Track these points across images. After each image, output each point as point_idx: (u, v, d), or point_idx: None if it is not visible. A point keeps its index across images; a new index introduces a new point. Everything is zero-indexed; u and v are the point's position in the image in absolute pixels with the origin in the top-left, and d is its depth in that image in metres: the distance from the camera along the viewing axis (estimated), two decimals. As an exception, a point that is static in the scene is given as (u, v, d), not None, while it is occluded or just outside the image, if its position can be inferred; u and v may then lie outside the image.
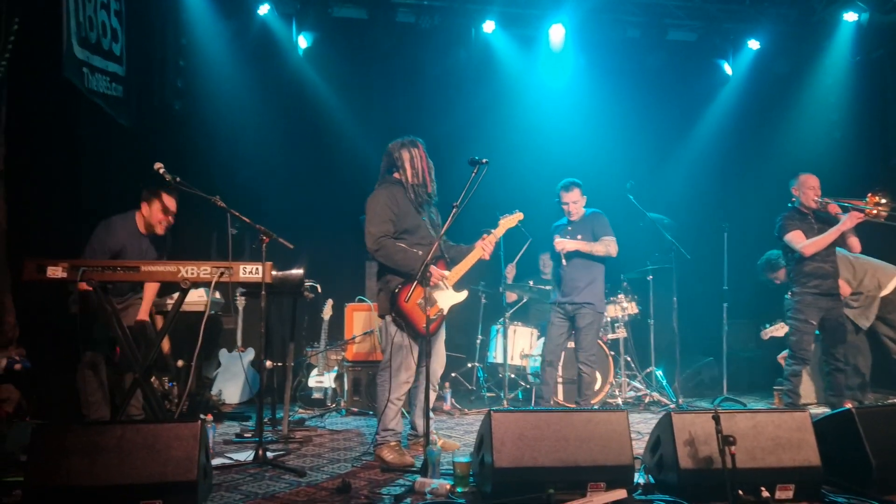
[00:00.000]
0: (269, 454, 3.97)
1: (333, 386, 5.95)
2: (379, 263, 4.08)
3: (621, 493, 3.08)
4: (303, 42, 7.16)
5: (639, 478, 3.40)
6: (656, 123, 7.78)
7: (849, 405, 4.26)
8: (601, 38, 7.51)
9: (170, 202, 4.52)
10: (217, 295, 5.60)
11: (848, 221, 4.87)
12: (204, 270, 3.90)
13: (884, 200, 4.94)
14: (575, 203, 5.43)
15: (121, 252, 4.41)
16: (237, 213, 4.09)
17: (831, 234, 4.91)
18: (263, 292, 3.95)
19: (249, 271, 3.97)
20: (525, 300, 6.79)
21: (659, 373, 6.46)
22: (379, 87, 7.46)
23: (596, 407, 5.91)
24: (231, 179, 6.76)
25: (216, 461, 3.84)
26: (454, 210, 3.79)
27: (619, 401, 6.15)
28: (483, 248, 4.24)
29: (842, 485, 3.23)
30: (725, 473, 2.90)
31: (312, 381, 5.97)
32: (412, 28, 7.31)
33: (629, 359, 6.58)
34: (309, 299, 5.00)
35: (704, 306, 7.00)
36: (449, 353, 6.21)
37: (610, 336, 6.30)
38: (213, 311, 5.67)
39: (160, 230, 4.53)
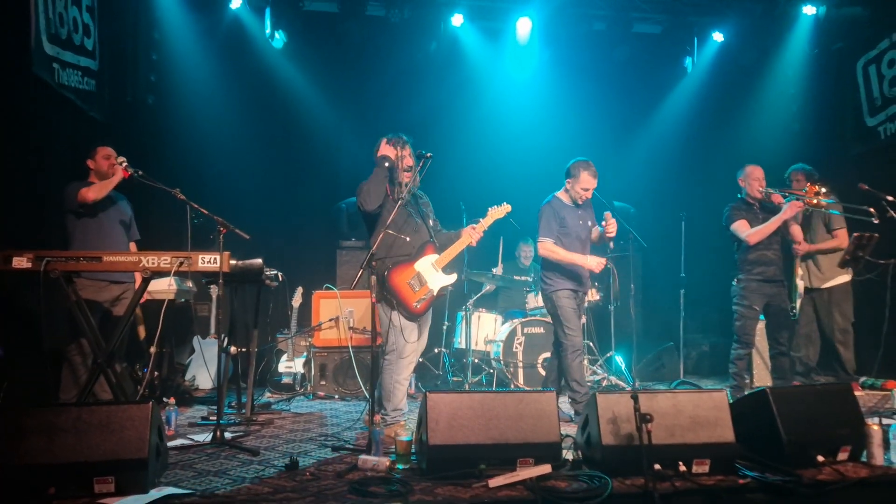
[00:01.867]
0: (228, 435, 4.17)
1: (302, 371, 6.17)
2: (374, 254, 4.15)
3: (546, 468, 3.28)
4: (275, 35, 7.29)
5: (572, 455, 3.64)
6: (620, 115, 7.97)
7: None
8: (567, 31, 7.65)
9: (105, 150, 4.82)
10: (189, 283, 5.78)
11: (788, 211, 5.07)
12: (164, 260, 4.10)
13: (823, 190, 5.16)
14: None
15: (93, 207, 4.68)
16: (196, 206, 4.26)
17: (773, 224, 5.11)
18: (221, 281, 4.13)
19: (208, 261, 4.16)
20: (492, 289, 6.99)
21: (619, 358, 6.67)
22: (350, 79, 7.62)
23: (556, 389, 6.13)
24: (204, 171, 6.94)
25: (177, 442, 4.05)
26: (399, 203, 3.99)
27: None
28: (471, 235, 4.43)
29: (756, 459, 3.43)
30: (642, 449, 3.11)
31: (282, 367, 6.18)
32: (382, 21, 7.44)
33: (591, 344, 6.79)
34: (272, 287, 5.18)
35: (664, 293, 7.22)
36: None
37: (570, 322, 6.50)
38: (185, 300, 5.87)
39: (113, 172, 4.71)
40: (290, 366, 6.16)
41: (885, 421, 4.08)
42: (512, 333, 6.24)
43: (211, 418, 4.82)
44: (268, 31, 7.29)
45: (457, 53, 7.63)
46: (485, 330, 6.64)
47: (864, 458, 3.59)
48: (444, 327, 6.79)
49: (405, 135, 4.37)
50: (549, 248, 4.96)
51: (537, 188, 7.66)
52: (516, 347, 6.21)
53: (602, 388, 6.29)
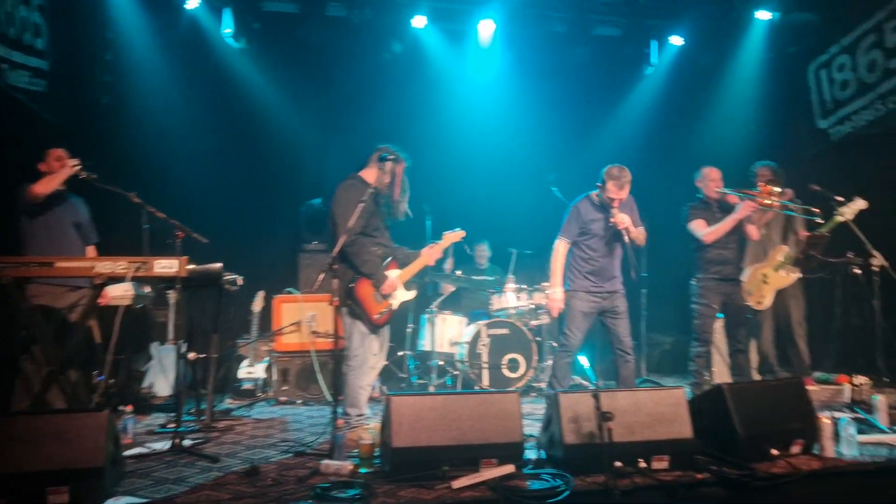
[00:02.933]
0: (187, 442, 4.10)
1: (263, 376, 6.10)
2: (337, 257, 4.17)
3: (510, 468, 3.30)
4: (233, 36, 7.20)
5: (535, 454, 3.66)
6: (582, 116, 8.06)
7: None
8: (529, 33, 7.70)
9: (56, 152, 4.74)
10: (147, 289, 5.67)
11: (743, 210, 5.18)
12: (119, 265, 4.03)
13: (777, 190, 5.28)
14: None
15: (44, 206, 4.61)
16: (152, 209, 4.19)
17: (728, 223, 5.21)
18: (178, 286, 4.07)
19: (165, 266, 4.10)
20: (454, 290, 7.00)
21: (582, 358, 6.73)
22: (312, 79, 7.56)
23: (521, 389, 6.17)
24: (163, 174, 6.83)
25: (134, 450, 3.96)
26: (360, 205, 3.97)
27: (543, 384, 6.40)
28: (429, 256, 4.67)
29: (713, 454, 3.50)
30: (603, 447, 3.15)
31: (243, 372, 6.11)
32: (344, 22, 7.39)
33: (555, 344, 6.84)
34: (232, 292, 5.11)
35: (627, 293, 7.29)
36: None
37: (534, 322, 6.54)
38: (142, 305, 5.76)
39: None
40: (251, 371, 6.08)
41: (837, 414, 4.22)
42: (476, 335, 6.25)
43: (169, 426, 4.74)
44: (227, 31, 7.21)
45: (420, 55, 7.63)
46: (450, 332, 6.64)
47: (815, 451, 3.69)
48: (409, 330, 6.77)
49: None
50: (555, 248, 5.09)
51: (501, 189, 7.76)
52: (480, 349, 6.23)
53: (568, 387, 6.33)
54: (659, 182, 7.97)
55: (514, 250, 7.13)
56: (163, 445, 4.02)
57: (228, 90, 7.30)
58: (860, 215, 5.06)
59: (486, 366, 6.18)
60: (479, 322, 6.36)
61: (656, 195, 7.73)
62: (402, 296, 4.49)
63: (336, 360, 3.96)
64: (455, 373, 6.53)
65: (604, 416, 3.18)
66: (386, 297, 4.33)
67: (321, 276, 3.86)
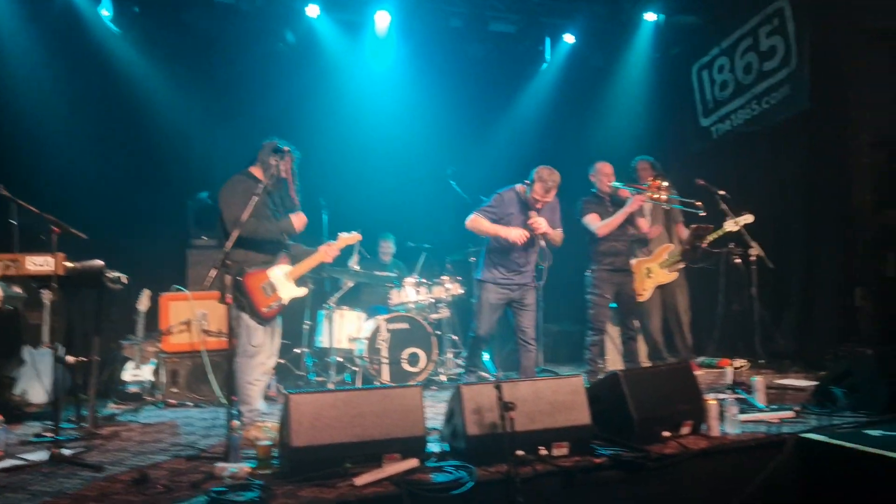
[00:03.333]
0: (67, 452, 3.82)
1: (151, 379, 5.78)
2: (228, 253, 4.00)
3: (413, 463, 3.27)
4: (112, 20, 6.77)
5: (438, 447, 3.65)
6: (479, 110, 8.14)
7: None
8: (425, 27, 7.68)
9: None
10: (17, 289, 5.26)
11: (633, 204, 5.39)
12: (-15, 263, 3.69)
13: (665, 184, 5.53)
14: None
15: None
16: (23, 203, 3.86)
17: (619, 217, 5.41)
18: (54, 285, 3.77)
19: (39, 264, 3.81)
20: (353, 285, 6.89)
21: (484, 351, 6.79)
22: (200, 69, 7.21)
23: (422, 383, 6.15)
24: (38, 166, 6.37)
25: (6, 463, 3.64)
26: (254, 198, 3.82)
27: (444, 377, 6.42)
28: (326, 254, 4.53)
29: (610, 439, 3.61)
30: (504, 437, 3.16)
31: (128, 375, 5.75)
32: (233, 9, 7.13)
33: (454, 337, 6.89)
34: (115, 291, 4.79)
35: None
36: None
37: (433, 316, 6.54)
38: (12, 307, 5.33)
39: None
40: (137, 374, 5.74)
41: (720, 396, 4.45)
42: (376, 330, 6.18)
43: (46, 434, 4.40)
44: (105, 14, 6.77)
45: (314, 46, 7.44)
46: (348, 328, 6.52)
47: (703, 431, 3.87)
48: (306, 327, 6.61)
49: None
50: (472, 218, 5.07)
51: (399, 183, 7.71)
52: (380, 344, 6.16)
53: (466, 379, 6.38)
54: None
55: (412, 244, 7.12)
56: (39, 456, 3.72)
57: (108, 77, 6.83)
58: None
59: (385, 361, 6.12)
60: (379, 317, 6.29)
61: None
62: (293, 291, 4.35)
63: (229, 359, 3.79)
64: (354, 369, 6.42)
65: (505, 407, 3.20)
66: (277, 289, 4.20)
67: (212, 273, 3.67)
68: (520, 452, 3.30)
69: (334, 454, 3.21)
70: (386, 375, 6.13)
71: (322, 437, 3.23)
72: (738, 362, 5.81)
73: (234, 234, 3.81)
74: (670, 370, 4.12)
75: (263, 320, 4.16)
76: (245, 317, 4.15)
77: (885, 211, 5.90)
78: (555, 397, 3.52)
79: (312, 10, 7.31)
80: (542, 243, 5.01)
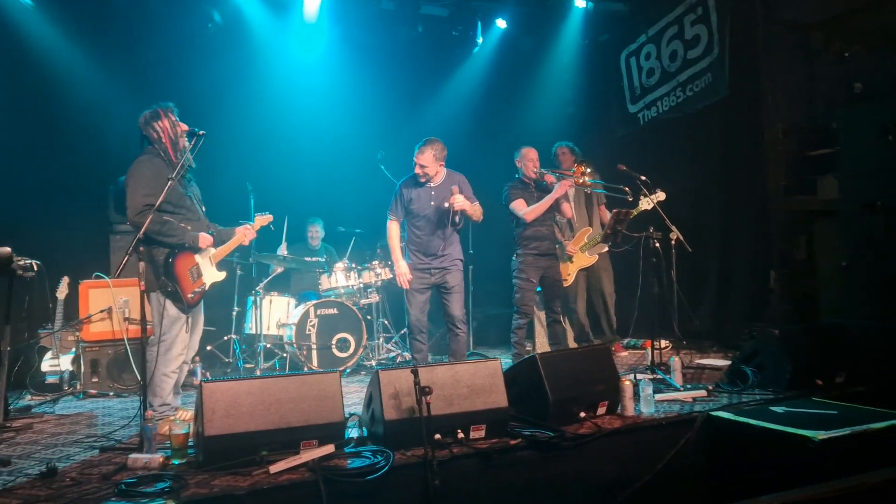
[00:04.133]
0: (-27, 446, 3.69)
1: (70, 368, 5.61)
2: (142, 239, 3.85)
3: (329, 448, 3.27)
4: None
5: (357, 433, 3.67)
6: (409, 94, 8.11)
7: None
8: (356, 10, 7.57)
9: None
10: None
11: (559, 189, 5.48)
12: None
13: (588, 170, 5.65)
14: (426, 168, 5.11)
15: None
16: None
17: (546, 202, 5.49)
18: (-45, 272, 3.61)
19: (-62, 250, 3.63)
20: (281, 271, 6.81)
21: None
22: (120, 48, 6.89)
23: (349, 370, 6.16)
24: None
25: None
26: (169, 182, 3.73)
27: (374, 362, 6.43)
28: (243, 235, 4.45)
29: (528, 420, 3.69)
30: (421, 421, 3.20)
31: (46, 365, 5.58)
32: (154, -17, 6.88)
33: (386, 322, 6.90)
34: (28, 278, 4.62)
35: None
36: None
37: (364, 301, 6.53)
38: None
39: None
40: (55, 364, 5.57)
41: (640, 376, 4.60)
42: (305, 316, 6.14)
43: (-47, 429, 4.24)
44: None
45: (240, 26, 7.24)
46: (277, 313, 6.48)
47: (619, 411, 4.00)
48: (234, 313, 6.52)
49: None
50: (388, 227, 5.29)
51: (330, 167, 7.63)
52: (309, 330, 6.13)
53: (395, 364, 6.41)
54: (482, 160, 8.22)
55: (342, 229, 7.08)
56: (-60, 452, 3.59)
57: (19, 53, 6.47)
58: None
59: (314, 346, 6.10)
60: (308, 303, 6.24)
61: (481, 173, 7.96)
62: (214, 275, 4.27)
63: (143, 348, 3.70)
64: (283, 355, 6.38)
65: (422, 391, 3.24)
66: (201, 273, 4.10)
67: (125, 259, 3.58)
68: (437, 436, 3.36)
69: (250, 442, 3.19)
70: (315, 361, 6.11)
71: (237, 425, 3.20)
72: (662, 343, 5.99)
73: (149, 220, 3.72)
74: (587, 352, 4.23)
75: (187, 307, 4.04)
76: (169, 304, 3.99)
77: (797, 196, 6.15)
78: (472, 381, 3.57)
79: (239, -10, 7.12)
80: (457, 219, 5.07)
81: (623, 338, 6.71)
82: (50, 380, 5.58)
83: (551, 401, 3.64)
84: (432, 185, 5.18)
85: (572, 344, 6.33)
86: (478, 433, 3.52)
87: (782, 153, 6.17)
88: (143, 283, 3.63)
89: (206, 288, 4.19)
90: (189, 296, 3.99)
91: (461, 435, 3.46)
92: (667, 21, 7.32)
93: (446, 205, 5.03)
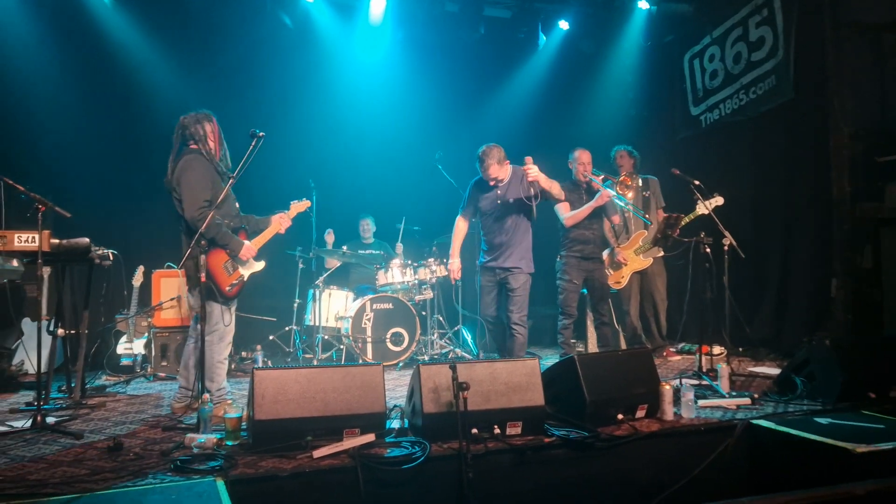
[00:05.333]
0: (51, 420, 4.03)
1: (143, 352, 6.00)
2: (188, 233, 4.16)
3: (370, 437, 3.45)
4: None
5: (399, 424, 3.83)
6: (470, 96, 8.23)
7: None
8: (420, 12, 7.71)
9: None
10: (14, 263, 5.45)
11: (597, 200, 5.56)
12: (-25, 239, 3.88)
13: (630, 183, 5.69)
14: (493, 179, 5.17)
15: None
16: (10, 181, 4.03)
17: (584, 211, 5.58)
18: (40, 261, 3.95)
19: (25, 240, 3.99)
20: (339, 265, 7.07)
21: (466, 332, 6.97)
22: (197, 49, 7.27)
23: (402, 364, 6.35)
24: (33, 144, 6.53)
25: (-7, 428, 3.87)
26: (230, 181, 3.98)
27: (426, 357, 6.60)
28: (279, 224, 4.59)
29: (564, 419, 3.76)
30: (458, 415, 3.33)
31: (121, 348, 5.99)
32: (231, -12, 7.23)
33: (440, 318, 7.06)
34: (106, 267, 4.99)
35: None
36: (260, 318, 6.45)
37: (419, 297, 6.70)
38: (8, 280, 5.53)
39: None
40: (129, 347, 5.97)
41: (683, 381, 4.60)
42: (361, 309, 6.36)
43: (34, 404, 4.62)
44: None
45: (309, 29, 7.52)
46: (336, 306, 6.72)
47: (658, 415, 4.02)
48: (296, 305, 6.81)
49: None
50: (455, 224, 5.47)
51: (389, 166, 7.84)
52: (365, 323, 6.34)
53: (449, 359, 6.56)
54: (542, 162, 8.25)
55: (400, 225, 7.28)
56: (24, 423, 3.94)
57: (101, 52, 6.88)
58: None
59: (370, 340, 6.31)
60: (365, 297, 6.46)
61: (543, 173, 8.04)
62: (252, 266, 4.42)
63: (201, 336, 3.95)
64: (341, 347, 6.62)
65: (460, 387, 3.36)
66: (238, 266, 4.30)
67: (188, 252, 3.86)
68: (474, 430, 3.49)
69: (296, 428, 3.40)
70: (370, 354, 6.32)
71: (284, 410, 3.41)
72: (716, 349, 5.94)
73: (210, 217, 3.97)
74: (628, 355, 4.26)
75: (227, 299, 4.27)
76: (214, 297, 4.20)
77: (863, 203, 5.96)
78: (510, 378, 3.67)
79: (309, -7, 7.38)
80: (533, 210, 5.16)
81: (675, 342, 6.66)
82: (124, 362, 5.98)
83: (588, 401, 3.70)
84: (500, 186, 5.24)
85: (625, 346, 6.33)
86: (514, 429, 3.62)
87: (848, 158, 5.98)
88: (203, 274, 3.88)
89: (245, 279, 4.34)
90: (227, 289, 4.18)
91: (497, 430, 3.57)
92: (732, 22, 7.19)
93: (511, 199, 5.11)
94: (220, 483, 2.89)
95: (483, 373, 3.65)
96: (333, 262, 7.08)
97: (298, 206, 4.80)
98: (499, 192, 5.22)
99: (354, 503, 3.13)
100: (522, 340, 5.23)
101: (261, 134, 4.07)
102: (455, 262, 5.47)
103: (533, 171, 4.94)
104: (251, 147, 4.08)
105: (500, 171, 5.17)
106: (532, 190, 5.04)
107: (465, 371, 3.54)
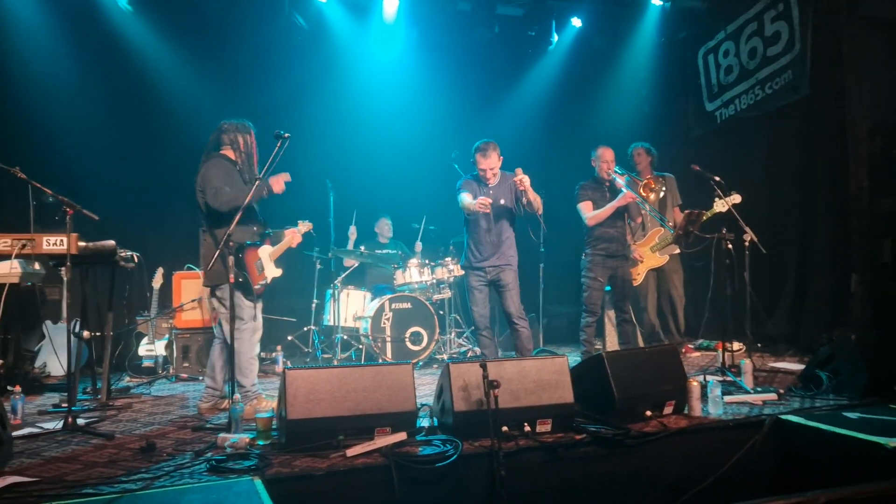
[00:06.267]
0: (81, 421, 4.06)
1: (164, 354, 6.04)
2: (212, 235, 4.23)
3: (402, 436, 3.46)
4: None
5: (428, 422, 3.84)
6: (484, 94, 8.25)
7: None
8: (433, 10, 7.74)
9: None
10: (36, 266, 5.49)
11: (620, 200, 5.56)
12: (4, 242, 3.92)
13: (654, 186, 5.68)
14: (492, 169, 5.28)
15: None
16: (38, 185, 4.06)
17: (607, 210, 5.59)
18: (68, 264, 3.98)
19: (54, 243, 4.03)
20: (356, 265, 7.09)
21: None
22: (212, 50, 7.33)
23: (422, 363, 6.36)
24: (53, 148, 6.57)
25: (24, 431, 3.90)
26: (256, 182, 4.00)
27: (445, 356, 6.62)
28: (292, 238, 4.73)
29: (593, 416, 3.77)
30: (489, 413, 3.34)
31: (143, 350, 6.03)
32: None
33: (458, 317, 7.07)
34: (129, 269, 5.02)
35: (529, 266, 7.58)
36: (279, 318, 6.48)
37: (436, 296, 6.72)
38: (31, 283, 5.56)
39: None
40: (151, 349, 6.01)
41: (709, 377, 4.61)
42: (380, 309, 6.38)
43: (63, 405, 4.65)
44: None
45: (323, 31, 7.55)
46: (354, 306, 6.75)
47: (686, 411, 4.03)
48: (314, 305, 6.83)
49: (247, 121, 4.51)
50: (463, 199, 5.27)
51: (404, 165, 7.86)
52: (384, 323, 6.36)
53: (467, 358, 6.57)
54: (556, 159, 8.30)
55: (418, 225, 7.29)
56: (55, 425, 3.97)
57: (120, 57, 6.95)
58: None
59: (389, 339, 6.32)
60: (383, 297, 6.48)
61: (554, 171, 8.05)
62: (274, 271, 4.52)
63: (231, 335, 3.98)
64: (359, 346, 6.64)
65: (490, 385, 3.37)
66: (265, 269, 4.39)
67: (216, 254, 3.88)
68: (504, 428, 3.49)
69: (328, 427, 3.41)
70: (389, 353, 6.34)
71: (316, 410, 3.42)
72: (736, 345, 5.95)
73: (237, 217, 3.99)
74: (655, 352, 4.26)
75: (255, 297, 4.34)
76: (239, 295, 4.25)
77: (882, 198, 5.95)
78: (539, 376, 3.68)
79: (323, -7, 7.40)
80: (521, 212, 5.22)
81: (693, 339, 6.66)
82: (146, 363, 6.02)
83: (617, 398, 3.71)
84: (490, 185, 5.31)
85: (642, 344, 6.33)
86: (544, 427, 3.62)
87: (866, 153, 5.96)
88: (231, 275, 3.91)
89: (268, 282, 4.44)
90: (256, 286, 4.29)
91: (528, 428, 3.57)
92: (746, 18, 7.18)
93: (502, 201, 5.24)
94: (259, 482, 2.91)
95: (512, 371, 3.66)
96: (352, 262, 7.10)
97: (303, 226, 4.92)
98: (490, 192, 5.28)
99: (389, 501, 3.14)
100: (528, 333, 5.33)
101: (286, 135, 4.09)
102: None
103: (526, 180, 5.06)
104: (277, 147, 4.10)
105: (498, 166, 5.29)
106: (524, 198, 5.16)
107: (495, 369, 3.54)
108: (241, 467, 3.14)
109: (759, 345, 6.43)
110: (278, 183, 4.39)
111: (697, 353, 6.49)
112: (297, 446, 3.36)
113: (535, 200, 5.18)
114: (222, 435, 3.56)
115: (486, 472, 3.30)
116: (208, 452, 3.41)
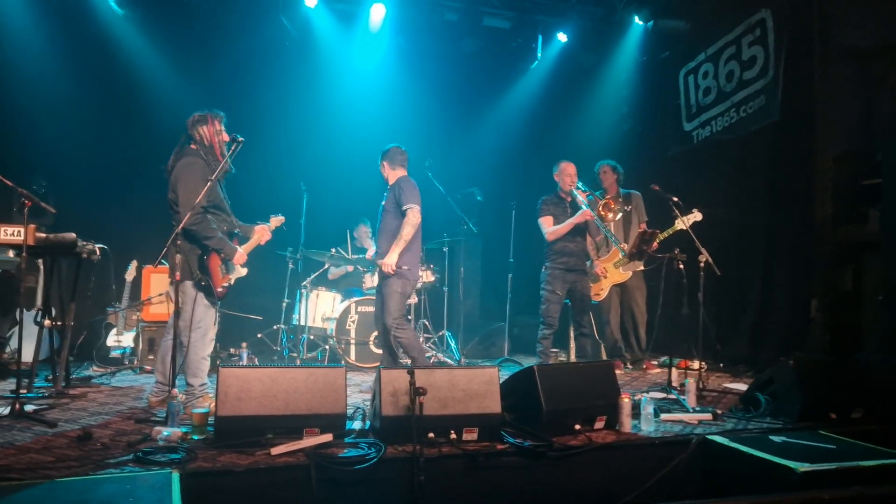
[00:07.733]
0: (30, 408, 4.18)
1: (132, 345, 6.16)
2: (183, 232, 4.26)
3: (328, 437, 3.56)
4: (115, 1, 7.07)
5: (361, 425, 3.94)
6: (469, 104, 8.36)
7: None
8: (420, 20, 7.86)
9: None
10: (11, 254, 5.63)
11: (577, 217, 5.66)
12: (-38, 232, 4.04)
13: (613, 206, 5.77)
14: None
15: None
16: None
17: (565, 227, 5.71)
18: (24, 254, 4.11)
19: (10, 233, 4.15)
20: (343, 273, 7.22)
21: (450, 338, 7.07)
22: (199, 53, 7.48)
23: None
24: (34, 141, 6.72)
25: (-30, 415, 4.02)
26: (208, 182, 4.11)
27: (409, 360, 6.69)
28: (262, 235, 4.78)
29: (521, 427, 3.85)
30: (413, 419, 3.44)
31: (111, 341, 6.15)
32: (234, -5, 7.40)
33: (426, 322, 7.17)
34: (94, 261, 5.14)
35: (500, 276, 7.68)
36: (244, 315, 6.59)
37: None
38: (3, 270, 5.70)
39: None
40: (119, 340, 6.14)
41: (643, 395, 4.68)
42: (346, 311, 6.49)
43: (22, 391, 4.77)
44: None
45: (308, 37, 7.68)
46: (323, 307, 6.86)
47: (617, 427, 4.10)
48: (284, 304, 6.94)
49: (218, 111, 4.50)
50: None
51: (376, 171, 7.94)
52: (349, 325, 6.47)
53: (432, 364, 6.66)
54: (535, 172, 8.36)
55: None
56: (2, 410, 4.08)
57: (108, 57, 7.12)
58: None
59: (353, 342, 6.43)
60: (351, 299, 6.58)
61: (530, 184, 8.14)
62: (239, 271, 4.57)
63: (175, 332, 4.08)
64: (326, 347, 6.75)
65: (416, 392, 3.47)
66: (230, 270, 4.47)
67: (164, 251, 3.99)
68: (431, 434, 3.59)
69: (257, 425, 3.51)
70: (353, 356, 6.44)
71: (246, 408, 3.53)
72: (696, 364, 6.02)
73: (188, 217, 4.10)
74: (589, 367, 4.35)
75: (216, 300, 4.42)
76: (202, 296, 4.36)
77: (845, 226, 6.01)
78: (469, 385, 3.77)
79: (310, 0, 7.51)
80: None
81: (657, 356, 6.73)
82: (114, 354, 6.15)
83: (545, 411, 3.79)
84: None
85: (605, 358, 6.41)
86: (470, 435, 3.71)
87: (831, 181, 6.03)
88: (178, 272, 4.02)
89: (232, 282, 4.52)
90: (219, 290, 4.35)
91: (454, 436, 3.66)
92: (726, 41, 7.26)
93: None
94: (175, 475, 3.01)
95: (442, 379, 3.75)
96: (338, 272, 7.22)
97: (275, 220, 4.95)
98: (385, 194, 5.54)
99: (308, 501, 3.24)
100: (408, 340, 5.46)
101: (240, 139, 4.20)
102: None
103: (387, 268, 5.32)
104: (230, 151, 4.21)
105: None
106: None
107: (425, 377, 3.64)
108: (164, 460, 3.24)
109: (720, 365, 6.50)
110: (242, 257, 4.50)
111: (658, 370, 6.56)
112: (225, 442, 3.47)
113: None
114: (157, 428, 3.67)
115: (406, 477, 3.38)
116: (141, 444, 3.52)
